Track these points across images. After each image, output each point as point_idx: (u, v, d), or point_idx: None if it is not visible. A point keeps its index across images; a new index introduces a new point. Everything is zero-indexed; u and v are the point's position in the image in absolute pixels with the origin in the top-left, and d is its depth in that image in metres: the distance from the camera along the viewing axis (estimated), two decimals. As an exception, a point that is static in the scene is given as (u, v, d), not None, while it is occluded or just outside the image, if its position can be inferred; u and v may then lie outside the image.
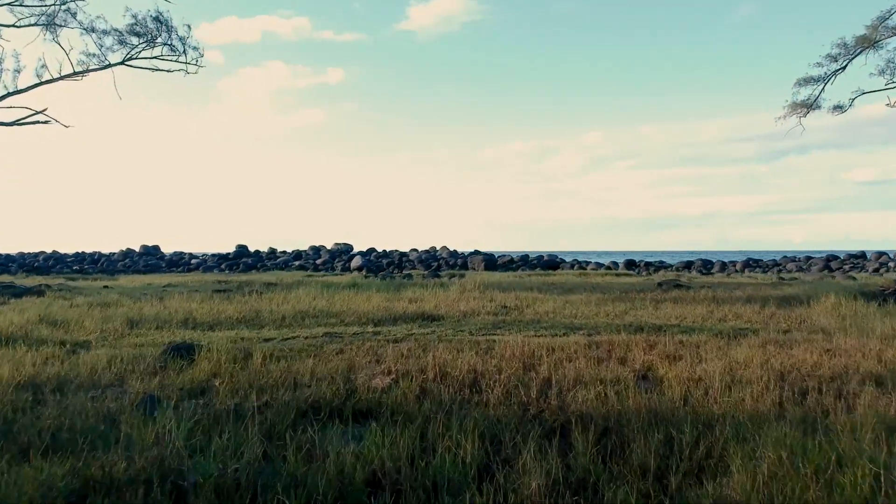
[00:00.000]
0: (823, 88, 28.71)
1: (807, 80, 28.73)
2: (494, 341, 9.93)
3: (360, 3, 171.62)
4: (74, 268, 46.30)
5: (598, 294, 18.92)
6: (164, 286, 25.75)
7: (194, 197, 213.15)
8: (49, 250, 62.66)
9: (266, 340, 10.63)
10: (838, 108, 28.51)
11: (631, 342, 9.60)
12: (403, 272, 47.72)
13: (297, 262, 53.18)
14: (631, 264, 45.80)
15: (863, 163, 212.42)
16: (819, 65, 28.30)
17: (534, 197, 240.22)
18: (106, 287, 24.91)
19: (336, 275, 38.65)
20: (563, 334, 11.33)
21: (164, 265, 53.61)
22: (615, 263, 47.22)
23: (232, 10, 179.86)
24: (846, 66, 27.89)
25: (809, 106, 29.06)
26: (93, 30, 27.47)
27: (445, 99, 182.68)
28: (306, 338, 10.86)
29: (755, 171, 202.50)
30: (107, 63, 28.96)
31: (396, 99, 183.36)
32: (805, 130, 29.65)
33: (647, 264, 46.26)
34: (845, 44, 27.29)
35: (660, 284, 21.59)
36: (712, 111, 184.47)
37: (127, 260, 55.28)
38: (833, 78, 28.51)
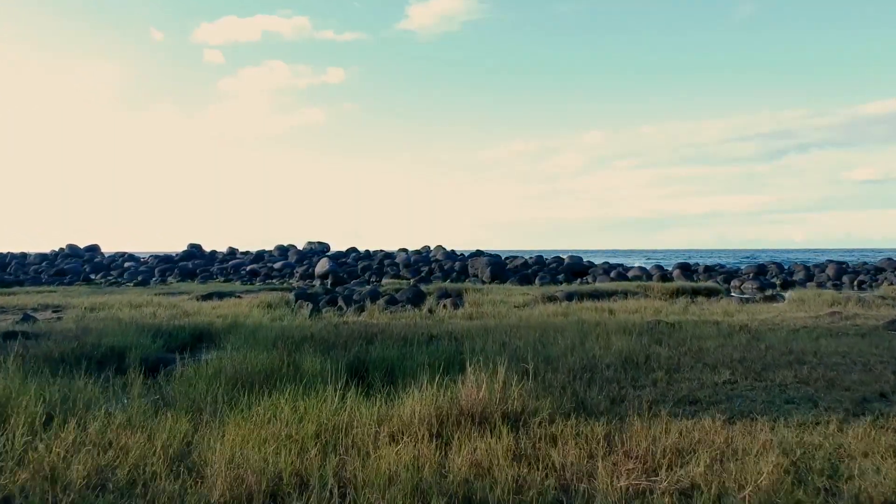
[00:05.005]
0: None
1: None
2: None
3: (359, 3, 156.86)
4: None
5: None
6: None
7: (193, 197, 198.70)
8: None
9: None
10: None
11: None
12: (382, 280, 33.53)
13: (251, 266, 38.88)
14: (686, 269, 31.55)
15: (863, 162, 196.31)
16: None
17: (534, 197, 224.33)
18: None
19: (274, 288, 24.44)
20: None
21: (88, 270, 39.44)
22: (663, 269, 32.87)
23: (231, 10, 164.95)
24: None
25: None
26: None
27: (446, 98, 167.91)
28: None
29: (756, 170, 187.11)
30: None
31: (397, 98, 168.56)
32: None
33: (709, 269, 31.98)
34: None
35: None
36: (713, 111, 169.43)
37: (44, 263, 41.11)
38: None
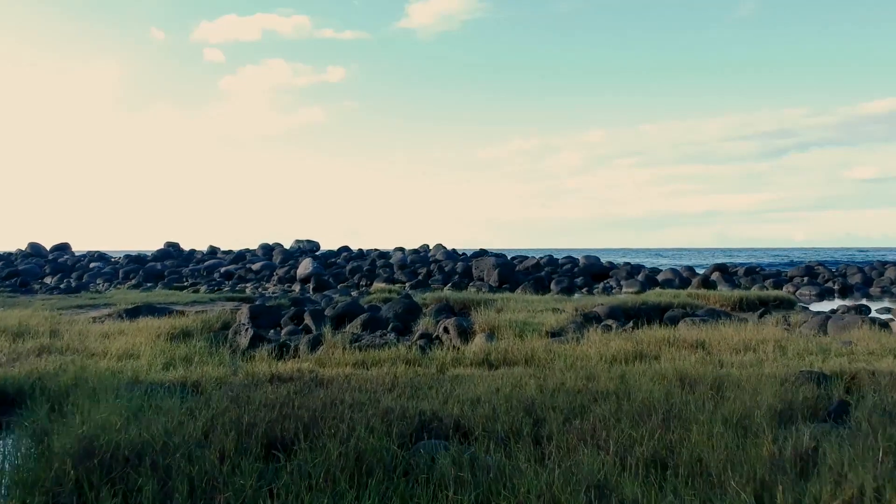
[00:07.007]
0: None
1: None
2: None
3: (359, 1, 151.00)
4: None
5: None
6: None
7: (193, 196, 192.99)
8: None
9: None
10: None
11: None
12: (374, 284, 28.49)
13: (226, 268, 33.84)
14: (726, 272, 26.52)
15: (863, 160, 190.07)
16: None
17: (534, 195, 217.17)
18: None
19: (234, 297, 19.48)
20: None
21: (48, 271, 34.44)
22: (695, 272, 27.87)
23: (232, 9, 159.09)
24: None
25: None
26: None
27: (445, 97, 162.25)
28: None
29: (756, 168, 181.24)
30: None
31: (397, 97, 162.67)
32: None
33: (751, 271, 26.93)
34: None
35: None
36: (713, 109, 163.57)
37: (0, 264, 36.11)
38: None
